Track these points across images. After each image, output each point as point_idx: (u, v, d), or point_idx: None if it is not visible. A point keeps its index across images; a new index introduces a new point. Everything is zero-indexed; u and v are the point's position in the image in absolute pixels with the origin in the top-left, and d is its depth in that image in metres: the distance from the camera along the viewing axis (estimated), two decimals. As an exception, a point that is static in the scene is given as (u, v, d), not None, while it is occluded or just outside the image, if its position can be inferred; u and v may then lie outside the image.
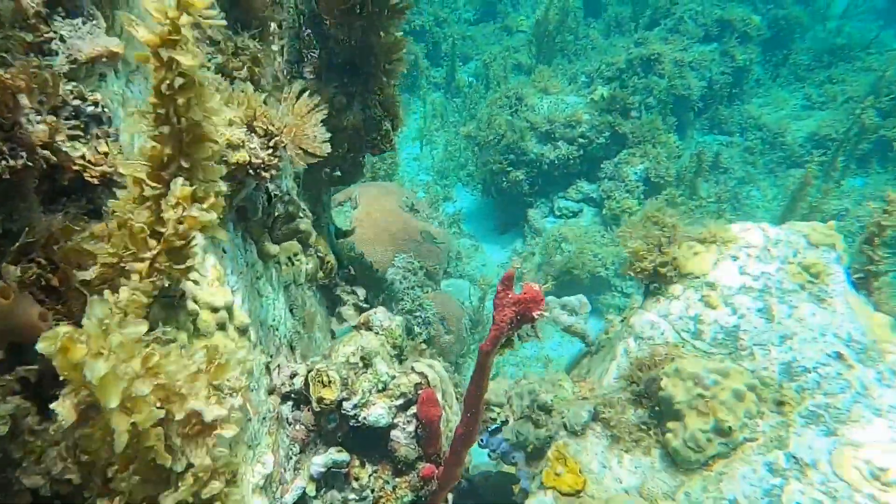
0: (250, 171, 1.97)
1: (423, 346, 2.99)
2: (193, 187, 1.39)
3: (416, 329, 5.55)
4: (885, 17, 16.81)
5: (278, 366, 2.30)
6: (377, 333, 2.38)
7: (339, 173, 3.31)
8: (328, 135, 2.37)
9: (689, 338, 3.01)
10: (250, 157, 1.95)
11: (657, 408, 2.75)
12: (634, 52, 11.57)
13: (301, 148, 2.26)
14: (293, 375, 2.28)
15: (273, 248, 2.31)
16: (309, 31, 2.91)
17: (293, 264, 2.57)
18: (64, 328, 1.04)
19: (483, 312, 6.16)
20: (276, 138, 2.01)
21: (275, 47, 2.54)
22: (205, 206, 1.47)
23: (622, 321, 3.85)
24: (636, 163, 8.60)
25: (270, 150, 2.00)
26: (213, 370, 1.31)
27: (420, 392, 2.23)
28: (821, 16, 16.11)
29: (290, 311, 2.58)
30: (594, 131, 8.72)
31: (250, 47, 2.12)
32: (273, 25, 2.35)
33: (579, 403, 2.90)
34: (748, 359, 2.86)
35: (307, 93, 2.31)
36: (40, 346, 1.02)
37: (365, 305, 3.08)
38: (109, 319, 1.11)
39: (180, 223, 1.37)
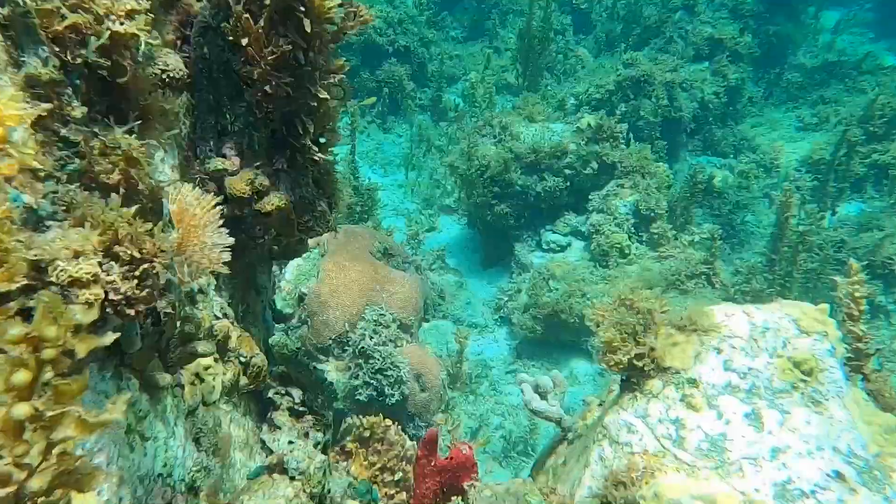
0: (108, 309, 1.60)
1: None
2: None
3: (388, 391, 5.16)
4: (876, 29, 16.56)
5: (171, 523, 1.92)
6: (293, 479, 2.01)
7: (276, 247, 2.95)
8: (230, 240, 2.01)
9: (670, 446, 2.64)
10: (106, 292, 1.57)
11: (633, 539, 2.38)
12: (624, 74, 11.27)
13: (195, 262, 1.89)
14: (190, 532, 1.90)
15: (164, 379, 1.94)
16: (227, 99, 2.56)
17: (202, 381, 2.20)
18: None
19: (461, 367, 5.78)
20: (146, 265, 1.64)
21: (174, 131, 2.18)
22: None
23: (600, 405, 3.47)
24: (626, 195, 8.25)
25: (136, 281, 1.63)
26: None
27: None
28: (812, 30, 15.85)
29: (196, 440, 2.20)
30: (581, 162, 8.39)
31: (122, 145, 1.75)
32: (169, 109, 1.98)
33: (545, 525, 2.53)
34: (737, 475, 2.49)
35: (197, 192, 1.94)
36: None
37: (302, 409, 2.71)
38: None
39: None
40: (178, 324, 2.05)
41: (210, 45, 2.56)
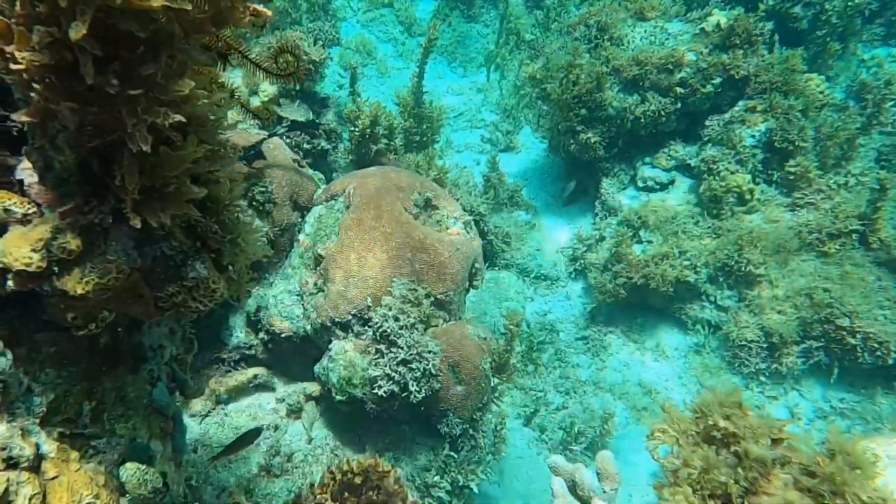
0: None
1: None
2: None
3: (412, 387, 4.34)
4: None
5: None
6: None
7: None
8: None
9: None
10: None
11: None
12: (780, -60, 8.32)
13: None
14: None
15: None
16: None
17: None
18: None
19: (509, 356, 4.78)
20: None
21: None
22: None
23: None
24: (756, 121, 6.23)
25: None
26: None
27: None
28: None
29: None
30: (700, 77, 6.36)
31: None
32: None
33: None
34: None
35: None
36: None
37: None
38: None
39: None
40: None
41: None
